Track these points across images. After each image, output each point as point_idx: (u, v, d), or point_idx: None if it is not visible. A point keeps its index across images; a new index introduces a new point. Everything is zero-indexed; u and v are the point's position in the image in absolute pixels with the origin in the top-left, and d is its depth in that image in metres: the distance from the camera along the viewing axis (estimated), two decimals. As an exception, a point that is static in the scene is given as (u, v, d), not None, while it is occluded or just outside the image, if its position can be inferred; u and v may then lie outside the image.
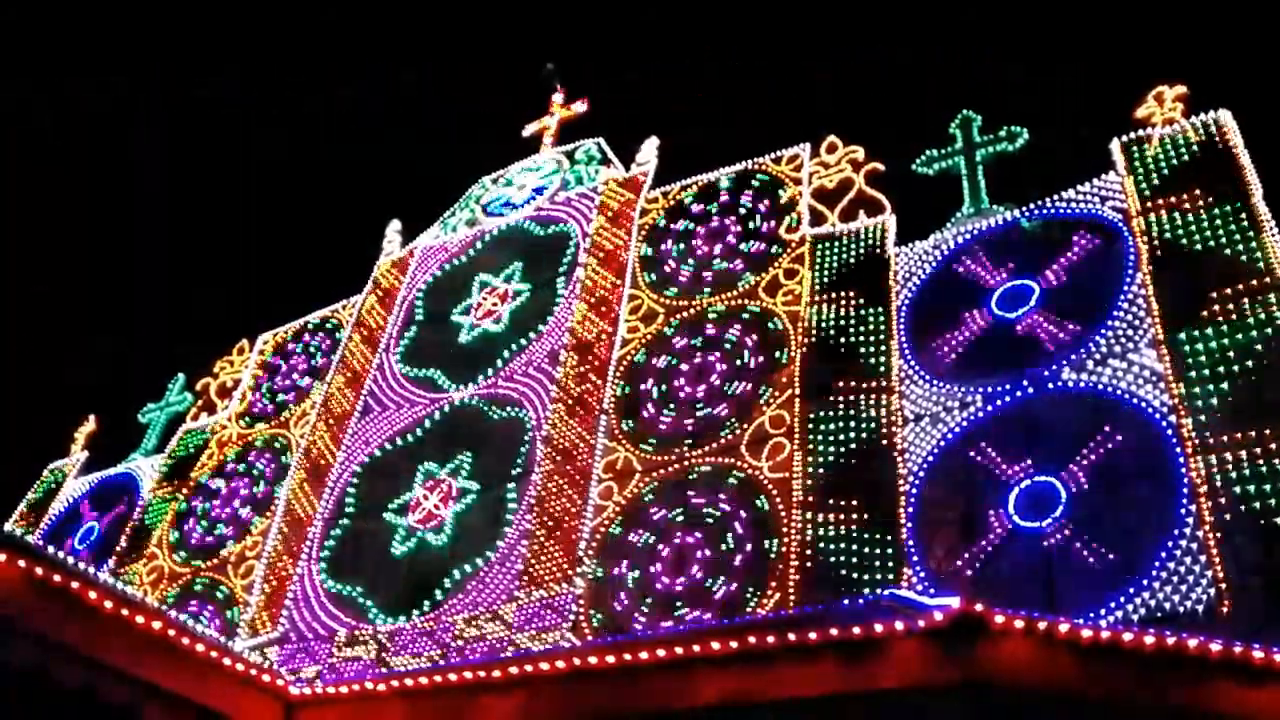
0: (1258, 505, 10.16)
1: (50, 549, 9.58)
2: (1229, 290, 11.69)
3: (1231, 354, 11.23)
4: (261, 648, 14.91)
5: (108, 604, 9.19)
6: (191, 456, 19.58)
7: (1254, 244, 11.93)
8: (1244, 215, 12.23)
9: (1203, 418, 10.94)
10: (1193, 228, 12.47)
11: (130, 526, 18.83)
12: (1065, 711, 7.85)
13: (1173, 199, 12.87)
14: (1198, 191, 12.76)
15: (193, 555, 17.62)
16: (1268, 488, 10.20)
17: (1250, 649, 7.91)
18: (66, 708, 8.89)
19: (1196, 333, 11.56)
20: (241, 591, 16.38)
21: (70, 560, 9.36)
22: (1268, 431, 10.52)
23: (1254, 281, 11.62)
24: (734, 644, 8.68)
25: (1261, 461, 10.38)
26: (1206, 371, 11.23)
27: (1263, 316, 11.32)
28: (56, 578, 9.02)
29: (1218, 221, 12.34)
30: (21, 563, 8.89)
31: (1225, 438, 10.70)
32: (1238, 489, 10.32)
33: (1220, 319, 11.53)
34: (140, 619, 9.31)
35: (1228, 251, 12.02)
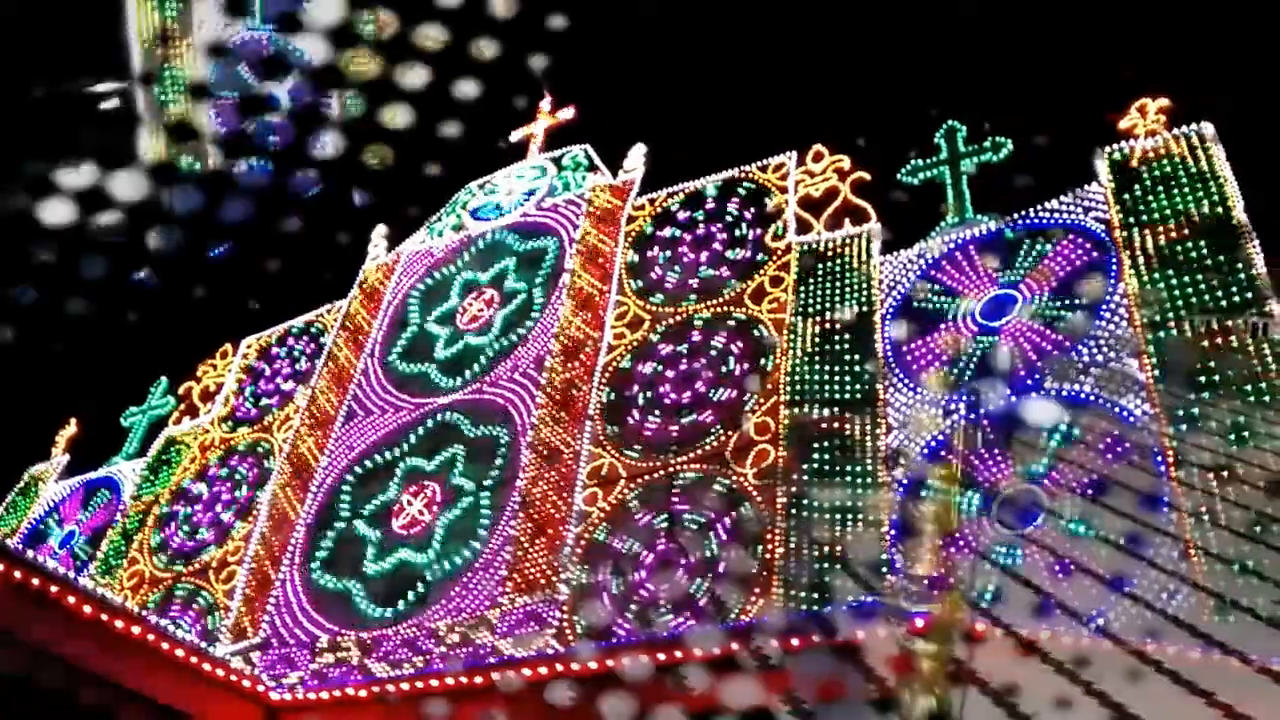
0: (1237, 514, 10.22)
1: (30, 553, 9.52)
2: (1210, 300, 11.78)
3: (1212, 364, 11.30)
4: (243, 653, 14.81)
5: (87, 609, 9.12)
6: (173, 460, 19.47)
7: (1235, 255, 12.02)
8: (1225, 226, 12.33)
9: (1184, 427, 11.01)
10: (1174, 238, 12.56)
11: (111, 531, 18.72)
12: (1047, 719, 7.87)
13: (1155, 210, 12.97)
14: (1179, 203, 12.87)
15: (174, 560, 17.51)
16: (1248, 497, 10.27)
17: (1232, 658, 7.94)
18: (45, 711, 8.82)
19: (1177, 342, 11.63)
20: (223, 597, 16.28)
21: (50, 565, 9.30)
22: (1248, 443, 10.59)
23: (1234, 292, 11.71)
24: (717, 650, 8.68)
25: (1241, 472, 10.45)
26: (1188, 381, 11.30)
27: (1243, 326, 11.40)
28: (35, 582, 8.95)
29: (1199, 233, 12.44)
30: (0, 566, 8.81)
31: (1206, 448, 10.76)
32: (1218, 498, 10.38)
33: (1201, 329, 11.61)
34: (120, 623, 9.25)
35: (1209, 262, 12.11)
